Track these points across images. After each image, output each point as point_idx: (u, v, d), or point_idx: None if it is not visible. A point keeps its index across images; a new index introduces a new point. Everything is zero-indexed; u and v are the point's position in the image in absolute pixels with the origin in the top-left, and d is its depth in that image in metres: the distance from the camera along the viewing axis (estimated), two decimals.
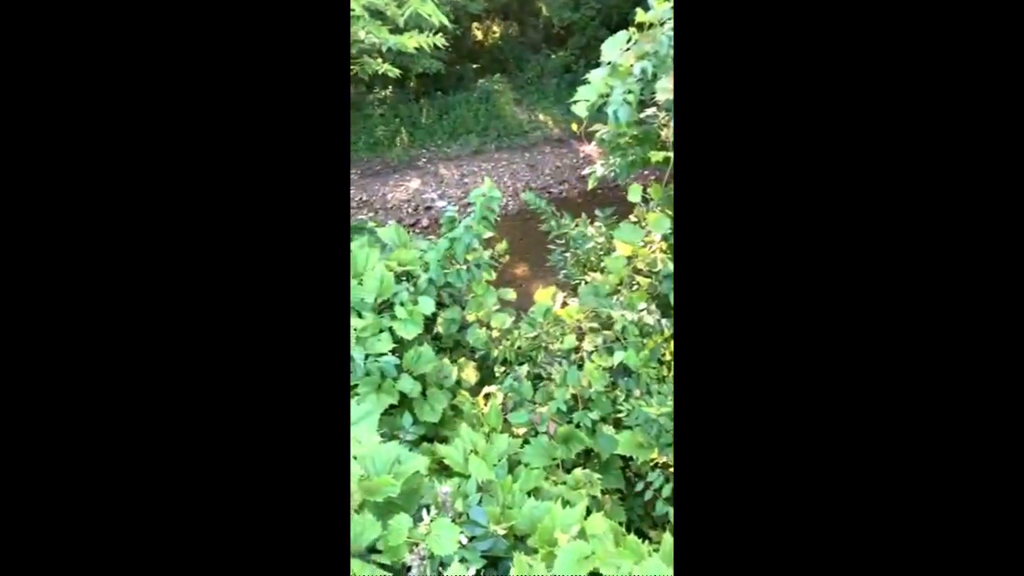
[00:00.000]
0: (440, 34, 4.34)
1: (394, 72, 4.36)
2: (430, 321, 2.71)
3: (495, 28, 12.30)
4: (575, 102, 2.18)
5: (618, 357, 2.16)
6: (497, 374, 2.77)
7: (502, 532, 1.67)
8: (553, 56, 12.17)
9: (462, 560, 1.59)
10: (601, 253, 3.18)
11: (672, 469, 1.94)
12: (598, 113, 2.25)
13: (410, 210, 9.53)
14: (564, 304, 2.87)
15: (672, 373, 2.41)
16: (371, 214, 9.02)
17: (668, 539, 1.61)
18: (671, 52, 1.81)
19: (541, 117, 11.44)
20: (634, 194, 1.97)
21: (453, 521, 1.71)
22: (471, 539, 1.66)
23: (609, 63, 2.03)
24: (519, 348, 2.73)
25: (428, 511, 1.71)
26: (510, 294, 3.03)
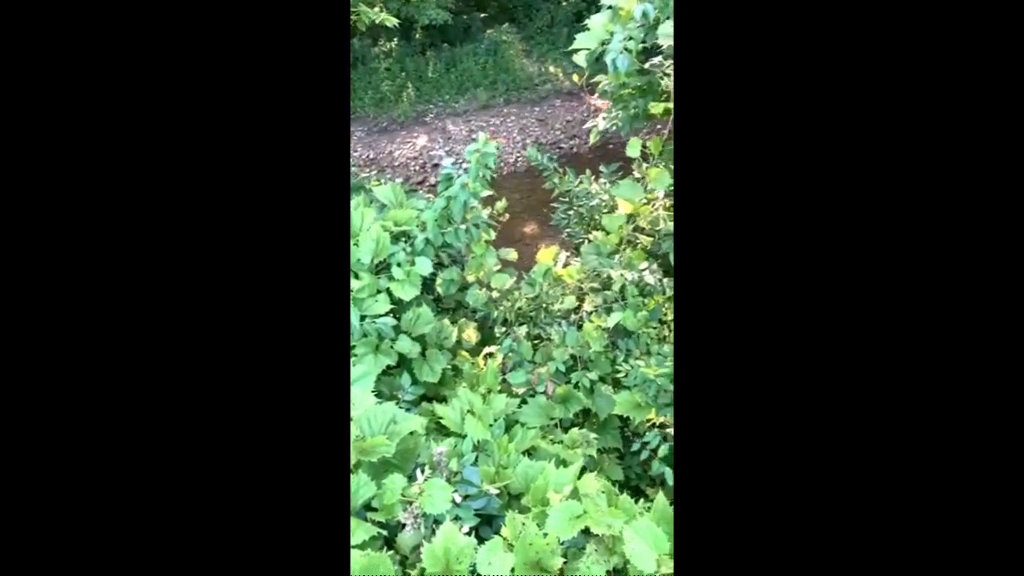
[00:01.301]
0: None
1: (392, 21, 4.19)
2: (430, 282, 2.68)
3: None
4: (575, 51, 2.07)
5: (615, 318, 2.12)
6: (498, 335, 2.76)
7: (496, 491, 1.68)
8: (564, 3, 11.65)
9: (455, 518, 1.61)
10: (605, 211, 3.10)
11: (669, 429, 1.93)
12: (599, 62, 2.14)
13: (417, 167, 9.40)
14: (567, 264, 2.82)
15: (671, 332, 2.37)
16: (377, 172, 8.92)
17: (661, 499, 1.61)
18: None
19: (551, 69, 11.07)
20: (633, 149, 1.88)
21: (448, 480, 1.73)
22: (465, 498, 1.67)
23: (610, 7, 1.91)
24: (519, 309, 2.70)
25: (423, 471, 1.73)
26: (511, 254, 2.98)
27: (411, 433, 1.85)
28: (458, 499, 1.65)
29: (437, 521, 1.59)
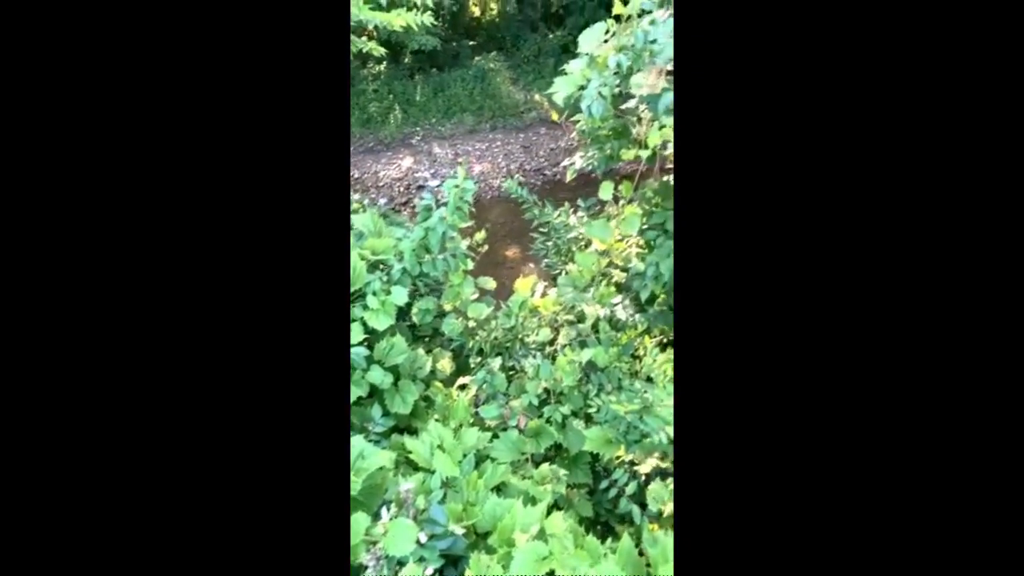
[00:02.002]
0: (431, 12, 4.23)
1: (379, 51, 4.26)
2: (405, 311, 2.69)
3: (492, 5, 12.04)
4: (554, 93, 2.13)
5: (588, 354, 2.14)
6: (472, 365, 2.76)
7: (462, 531, 1.67)
8: (551, 35, 11.94)
9: (420, 560, 1.59)
10: (581, 244, 3.15)
11: (638, 467, 1.94)
12: (577, 104, 2.20)
13: (402, 188, 9.44)
14: (544, 294, 2.85)
15: (643, 367, 2.40)
16: (362, 192, 8.93)
17: (626, 540, 1.61)
18: (648, 47, 1.76)
19: (537, 98, 11.27)
20: (605, 192, 1.94)
21: (414, 519, 1.71)
22: (431, 537, 1.66)
23: (587, 54, 1.97)
24: (495, 339, 2.71)
25: (389, 508, 1.71)
26: (489, 283, 3.00)
27: (379, 468, 1.83)
28: (423, 538, 1.64)
29: (401, 563, 1.57)
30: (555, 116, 2.55)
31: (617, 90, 1.92)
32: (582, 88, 1.99)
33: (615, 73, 1.83)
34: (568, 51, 11.34)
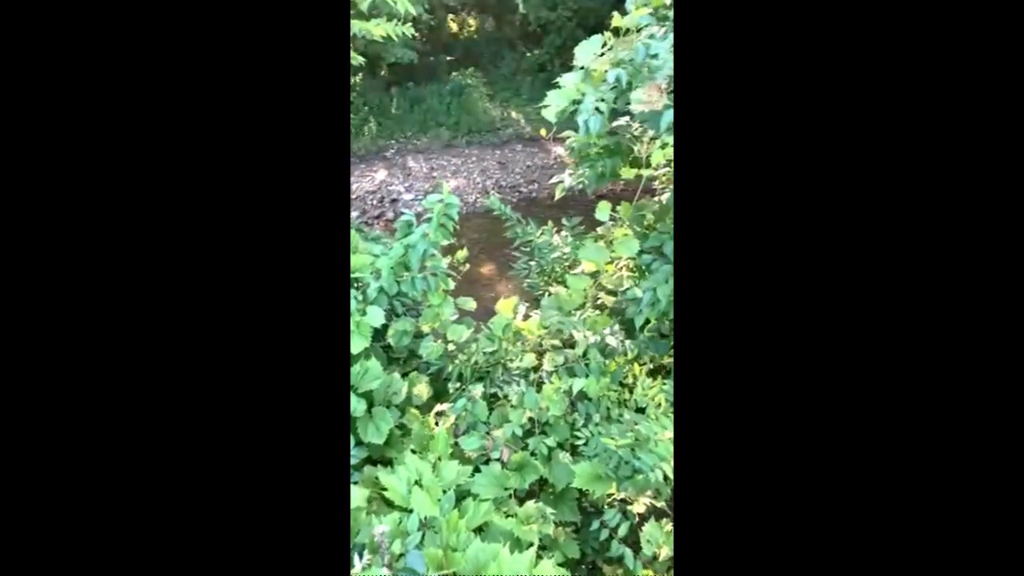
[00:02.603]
0: (411, 24, 4.13)
1: (358, 60, 4.12)
2: (380, 332, 2.52)
3: (471, 21, 12.07)
4: (545, 107, 2.03)
5: (578, 384, 2.02)
6: (451, 390, 2.61)
7: None
8: (528, 54, 12.03)
9: None
10: (566, 264, 3.05)
11: (630, 506, 1.82)
12: (569, 119, 2.11)
13: (375, 202, 9.25)
14: (526, 316, 2.73)
15: (633, 396, 2.29)
16: None
17: None
18: (648, 61, 1.68)
19: (513, 115, 11.29)
20: (602, 212, 1.84)
21: (390, 567, 1.55)
22: None
23: (582, 68, 1.89)
24: (476, 363, 2.57)
25: (361, 555, 1.54)
26: (470, 303, 2.86)
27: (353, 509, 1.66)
28: None
29: None
30: (543, 132, 2.46)
31: (614, 106, 1.84)
32: (576, 103, 1.90)
33: (612, 88, 1.74)
34: (545, 70, 11.41)
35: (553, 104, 1.90)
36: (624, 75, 1.67)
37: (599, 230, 2.38)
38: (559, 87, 1.95)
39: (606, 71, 1.77)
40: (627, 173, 1.78)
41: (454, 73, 11.46)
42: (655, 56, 1.64)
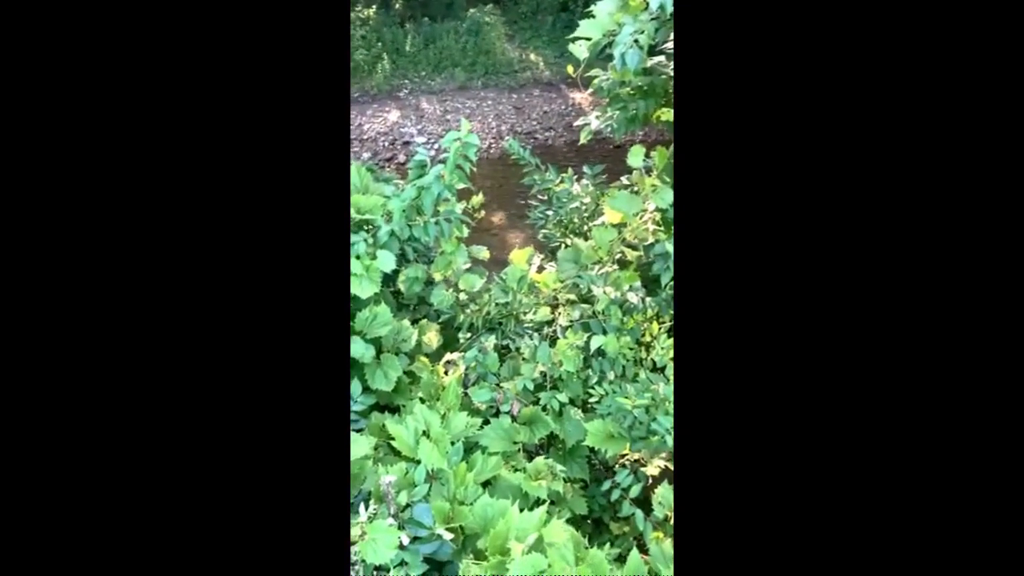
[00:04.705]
0: None
1: None
2: (391, 277, 2.43)
3: None
4: (575, 39, 1.85)
5: (596, 342, 1.93)
6: (462, 340, 2.54)
7: (449, 535, 1.48)
8: None
9: (401, 564, 1.40)
10: (586, 215, 2.91)
11: (644, 468, 1.77)
12: (598, 56, 1.93)
13: (387, 144, 9.01)
14: (540, 268, 2.62)
15: (650, 355, 2.21)
16: None
17: (635, 556, 1.44)
18: None
19: (532, 57, 10.80)
20: (635, 157, 1.69)
21: (396, 516, 1.51)
22: (414, 540, 1.46)
23: None
24: (488, 314, 2.48)
25: (367, 504, 1.51)
26: (483, 252, 2.75)
27: (358, 458, 1.62)
28: (406, 540, 1.44)
29: (380, 568, 1.37)
30: (571, 70, 2.27)
31: (652, 42, 1.66)
32: (610, 35, 1.72)
33: (654, 18, 1.56)
34: (567, 10, 10.82)
35: (586, 36, 1.72)
36: (669, 1, 1.49)
37: (624, 179, 2.23)
38: (592, 17, 1.76)
39: None
40: (664, 114, 1.63)
41: (472, 9, 10.90)
42: None
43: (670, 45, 1.66)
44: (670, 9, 1.53)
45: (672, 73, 1.77)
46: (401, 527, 1.48)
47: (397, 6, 10.36)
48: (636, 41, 1.55)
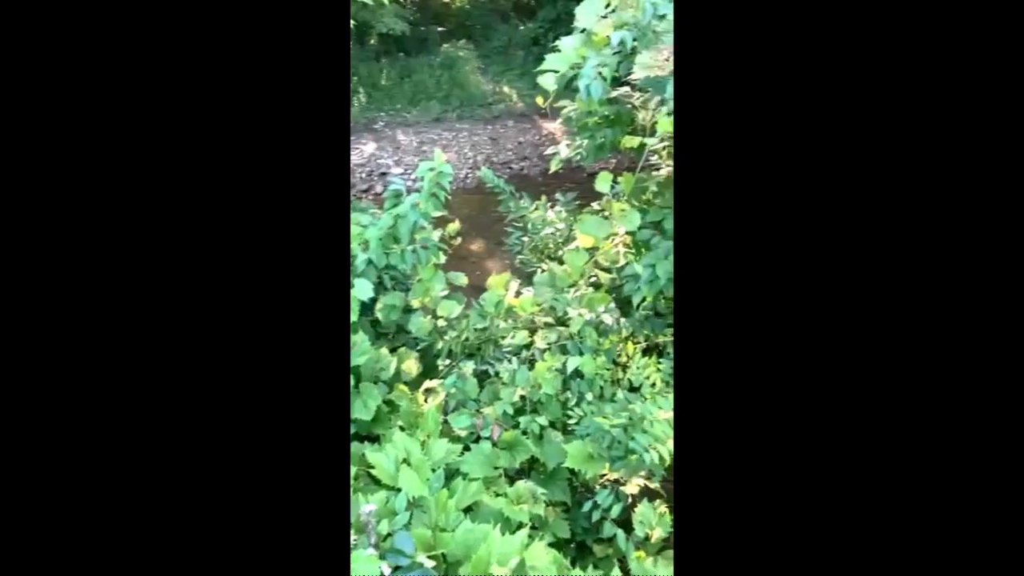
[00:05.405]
0: None
1: None
2: (368, 306, 2.44)
3: None
4: (542, 72, 1.93)
5: (572, 363, 1.96)
6: (441, 367, 2.55)
7: (431, 562, 1.46)
8: (522, 27, 11.75)
9: None
10: (560, 241, 2.97)
11: (623, 487, 1.78)
12: (566, 88, 2.01)
13: (363, 175, 9.05)
14: (518, 293, 2.66)
15: (627, 375, 2.25)
16: None
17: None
18: (654, 23, 1.58)
19: (506, 89, 11.06)
20: (603, 183, 1.76)
21: (376, 546, 1.49)
22: (395, 569, 1.45)
23: (583, 30, 1.79)
24: (466, 340, 2.50)
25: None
26: (461, 279, 2.78)
27: None
28: (387, 570, 1.42)
29: None
30: (540, 100, 2.36)
31: (616, 74, 1.74)
32: (575, 68, 1.80)
33: (616, 52, 1.65)
34: (538, 44, 11.16)
35: (553, 69, 1.81)
36: (629, 37, 1.57)
37: (595, 205, 2.30)
38: (558, 51, 1.85)
39: (609, 34, 1.67)
40: (629, 143, 1.70)
41: (445, 45, 11.17)
42: (662, 17, 1.55)
43: (633, 77, 1.74)
44: (631, 44, 1.62)
45: (633, 102, 1.86)
46: (382, 557, 1.46)
47: (372, 42, 10.57)
48: (600, 73, 1.63)
